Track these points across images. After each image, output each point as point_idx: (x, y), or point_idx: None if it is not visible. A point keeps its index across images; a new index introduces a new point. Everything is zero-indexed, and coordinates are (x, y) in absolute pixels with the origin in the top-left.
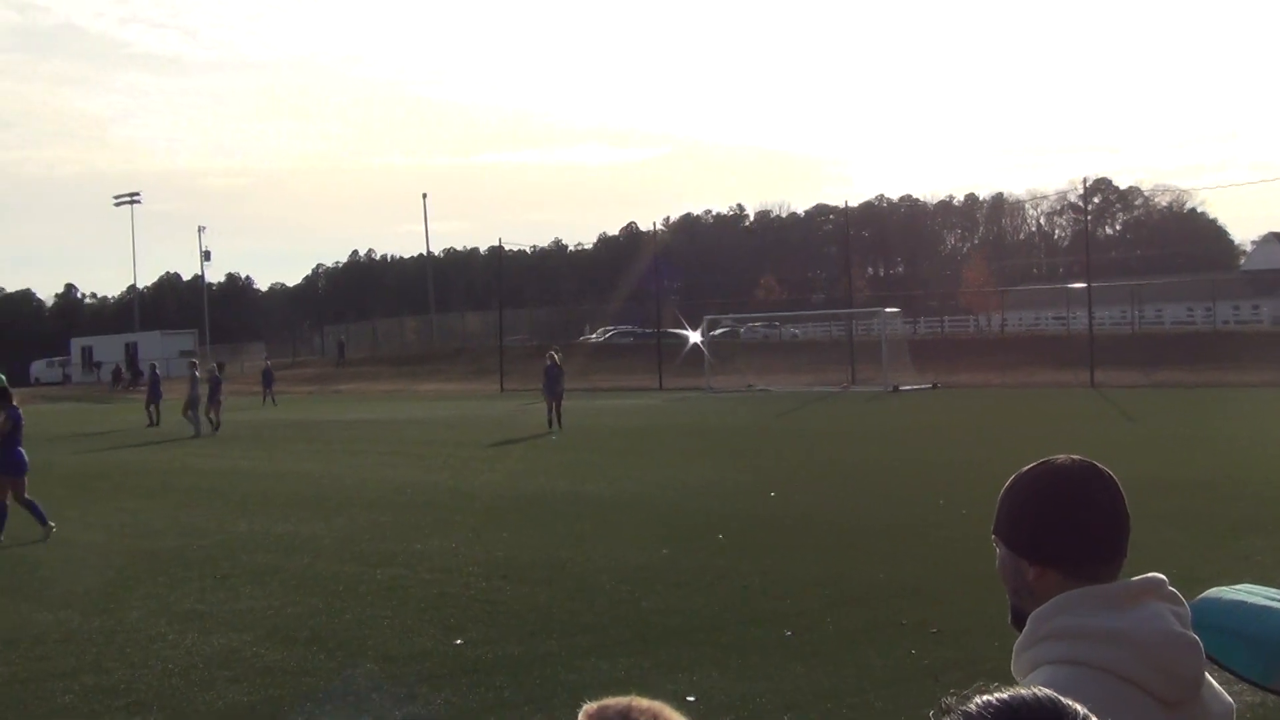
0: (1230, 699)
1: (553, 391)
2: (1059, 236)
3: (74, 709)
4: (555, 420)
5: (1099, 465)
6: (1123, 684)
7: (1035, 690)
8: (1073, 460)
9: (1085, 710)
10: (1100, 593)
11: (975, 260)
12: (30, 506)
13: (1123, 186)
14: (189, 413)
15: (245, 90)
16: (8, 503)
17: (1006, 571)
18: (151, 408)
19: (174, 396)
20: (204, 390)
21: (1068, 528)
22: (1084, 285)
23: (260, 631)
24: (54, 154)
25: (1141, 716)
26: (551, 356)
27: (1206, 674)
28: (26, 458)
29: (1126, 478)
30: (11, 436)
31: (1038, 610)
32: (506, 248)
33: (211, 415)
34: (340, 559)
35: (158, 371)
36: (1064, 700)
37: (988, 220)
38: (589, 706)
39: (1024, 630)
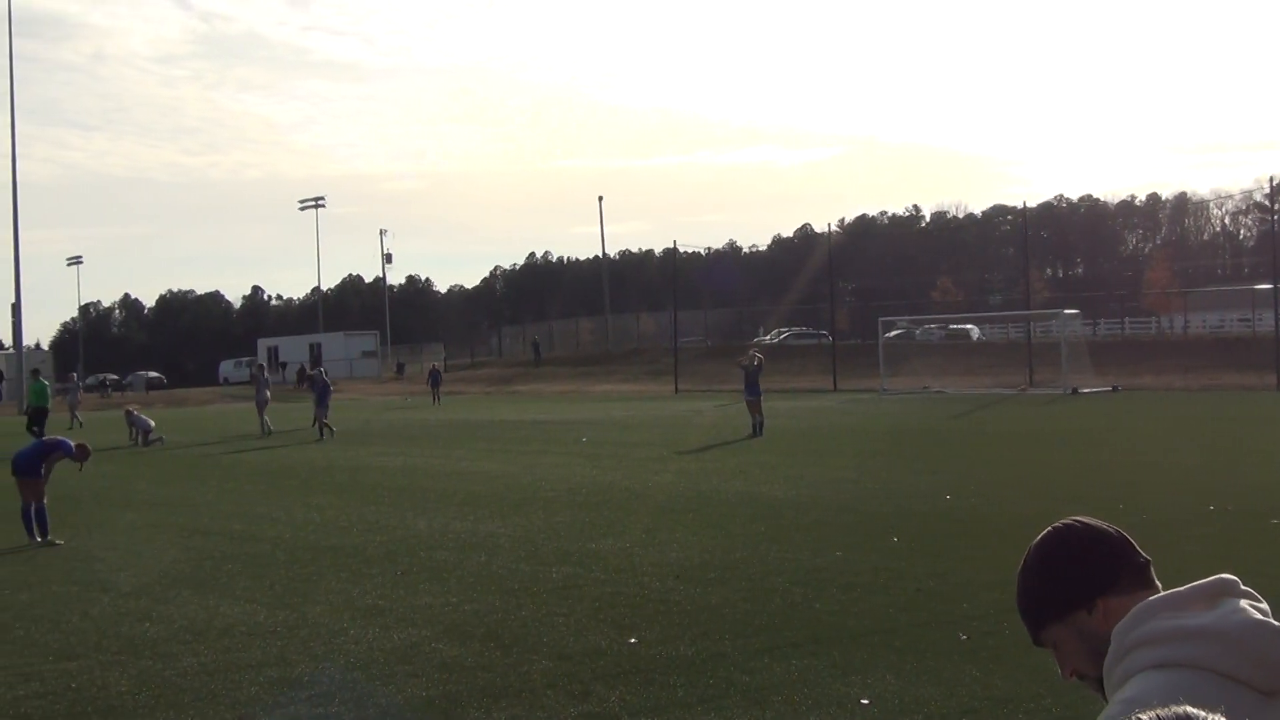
0: None
1: (753, 392)
2: (1244, 236)
3: (259, 700)
4: (755, 424)
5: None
6: (1223, 680)
7: (1175, 709)
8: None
9: (1219, 717)
10: (1175, 597)
11: (1157, 261)
12: None
13: None
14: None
15: (423, 95)
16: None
17: (1072, 647)
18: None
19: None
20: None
21: (1090, 551)
22: (1270, 286)
23: (438, 628)
24: (238, 159)
25: (1246, 710)
26: (756, 357)
27: None
28: None
29: None
30: None
31: (1118, 625)
32: (680, 249)
33: (318, 420)
34: (516, 557)
35: (254, 372)
36: (1198, 713)
37: (1170, 220)
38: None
39: (1110, 647)
